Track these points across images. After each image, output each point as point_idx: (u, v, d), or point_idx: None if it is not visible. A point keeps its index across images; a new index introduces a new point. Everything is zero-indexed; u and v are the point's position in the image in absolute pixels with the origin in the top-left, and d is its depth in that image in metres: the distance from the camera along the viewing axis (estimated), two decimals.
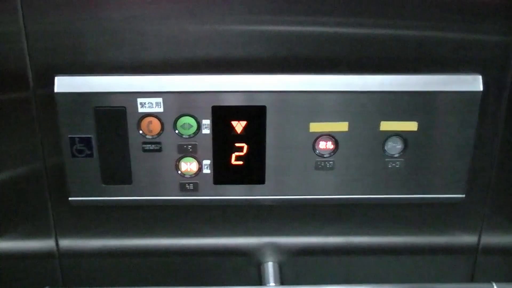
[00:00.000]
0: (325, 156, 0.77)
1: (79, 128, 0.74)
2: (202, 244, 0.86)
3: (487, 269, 0.89)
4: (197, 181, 0.78)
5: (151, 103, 0.73)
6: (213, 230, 0.85)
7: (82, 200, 0.79)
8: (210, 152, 0.76)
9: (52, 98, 0.73)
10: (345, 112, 0.74)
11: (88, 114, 0.73)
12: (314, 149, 0.76)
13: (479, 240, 0.86)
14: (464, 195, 0.80)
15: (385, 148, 0.76)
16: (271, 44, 0.73)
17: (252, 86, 0.73)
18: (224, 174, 0.77)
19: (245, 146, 0.76)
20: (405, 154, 0.77)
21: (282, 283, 0.86)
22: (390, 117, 0.75)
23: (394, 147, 0.76)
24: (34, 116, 0.76)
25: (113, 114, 0.74)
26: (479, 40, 0.73)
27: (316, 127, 0.75)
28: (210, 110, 0.74)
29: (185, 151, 0.76)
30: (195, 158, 0.76)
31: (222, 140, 0.75)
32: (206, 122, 0.74)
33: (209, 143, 0.76)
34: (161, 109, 0.73)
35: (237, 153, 0.76)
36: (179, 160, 0.76)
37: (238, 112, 0.74)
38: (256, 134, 0.75)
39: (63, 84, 0.73)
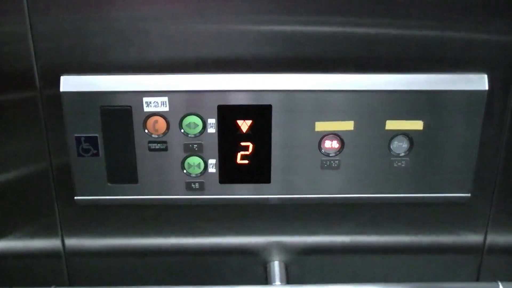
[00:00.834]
0: (330, 155, 0.77)
1: (85, 127, 0.74)
2: (208, 243, 0.86)
3: (493, 269, 0.88)
4: (203, 180, 0.78)
5: (156, 102, 0.73)
6: (219, 229, 0.85)
7: (88, 199, 0.79)
8: (215, 151, 0.76)
9: (58, 97, 0.73)
10: (351, 111, 0.74)
11: (94, 113, 0.74)
12: (319, 148, 0.76)
13: (485, 239, 0.86)
14: (470, 194, 0.80)
15: (391, 147, 0.76)
16: (277, 44, 0.73)
17: (257, 85, 0.73)
18: (230, 173, 0.77)
19: (251, 145, 0.76)
20: (411, 153, 0.77)
21: (288, 282, 0.86)
22: (395, 116, 0.75)
23: (399, 146, 0.76)
24: (41, 116, 0.76)
25: (119, 114, 0.74)
26: (485, 39, 0.73)
27: (321, 126, 0.75)
28: (215, 109, 0.74)
29: (190, 150, 0.76)
30: (200, 157, 0.76)
31: (228, 139, 0.75)
32: (212, 121, 0.74)
33: (214, 142, 0.76)
34: (166, 108, 0.74)
35: (242, 152, 0.76)
36: (184, 159, 0.76)
37: (243, 111, 0.74)
38: (261, 133, 0.75)
39: (69, 83, 0.73)
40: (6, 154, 0.79)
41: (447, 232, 0.86)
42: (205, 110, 0.74)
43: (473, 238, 0.86)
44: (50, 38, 0.72)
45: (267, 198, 0.79)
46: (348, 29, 0.72)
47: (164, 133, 0.75)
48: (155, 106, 0.73)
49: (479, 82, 0.74)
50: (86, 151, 0.76)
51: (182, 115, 0.74)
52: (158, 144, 0.75)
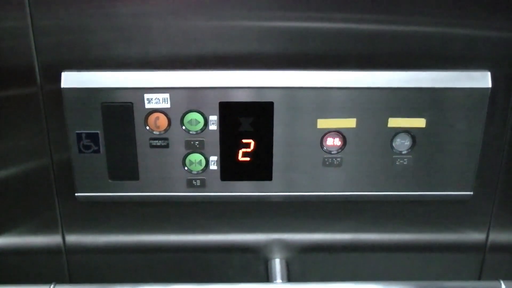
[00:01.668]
0: (332, 152, 0.76)
1: (86, 124, 0.74)
2: (209, 241, 0.86)
3: (495, 267, 0.88)
4: (204, 177, 0.77)
5: (158, 99, 0.73)
6: (220, 227, 0.85)
7: (89, 196, 0.79)
8: (217, 148, 0.76)
9: (59, 94, 0.73)
10: (353, 108, 0.74)
11: (95, 109, 0.73)
12: (321, 145, 0.76)
13: (487, 237, 0.86)
14: (472, 193, 0.80)
15: (393, 144, 0.76)
16: (279, 40, 0.72)
17: (259, 82, 0.73)
18: (231, 170, 0.77)
19: (253, 143, 0.76)
20: (413, 151, 0.76)
21: (289, 280, 0.86)
22: (398, 113, 0.74)
23: (402, 143, 0.76)
24: (41, 112, 0.76)
25: (120, 110, 0.74)
26: (488, 36, 0.73)
27: (324, 123, 0.75)
28: (217, 106, 0.73)
29: (192, 147, 0.76)
30: (202, 154, 0.76)
31: (229, 136, 0.75)
32: (213, 118, 0.74)
33: (216, 139, 0.75)
34: (168, 105, 0.73)
35: (244, 150, 0.76)
36: (186, 156, 0.76)
37: (245, 108, 0.74)
38: (263, 131, 0.75)
39: (70, 79, 0.73)
40: (7, 150, 0.79)
41: (449, 231, 0.86)
42: (206, 106, 0.74)
43: (475, 236, 0.86)
44: (51, 34, 0.72)
45: (269, 195, 0.79)
46: (350, 26, 0.72)
47: (166, 130, 0.75)
48: (156, 102, 0.73)
49: (482, 79, 0.73)
50: (87, 147, 0.75)
51: (183, 112, 0.74)
52: (159, 141, 0.75)
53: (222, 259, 0.88)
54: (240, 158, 0.77)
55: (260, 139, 0.75)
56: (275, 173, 0.77)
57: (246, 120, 0.74)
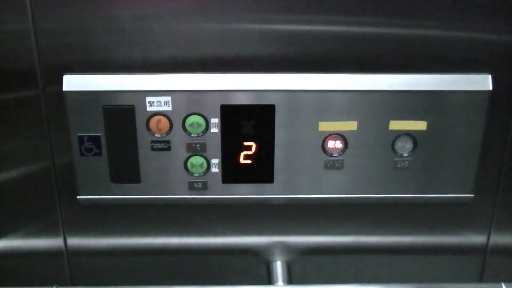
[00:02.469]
0: (334, 155, 0.77)
1: (87, 126, 0.74)
2: (210, 243, 0.86)
3: (496, 270, 0.88)
4: (206, 180, 0.78)
5: (159, 101, 0.73)
6: (221, 229, 0.85)
7: (90, 198, 0.79)
8: (218, 151, 0.76)
9: (61, 97, 0.73)
10: (354, 111, 0.74)
11: (96, 112, 0.73)
12: (323, 148, 0.76)
13: (488, 240, 0.86)
14: (473, 195, 0.80)
15: (394, 147, 0.76)
16: (281, 43, 0.72)
17: (261, 85, 0.73)
18: (232, 173, 0.77)
19: (254, 145, 0.76)
20: (414, 153, 0.76)
21: (290, 282, 0.86)
22: (399, 116, 0.74)
23: (403, 146, 0.76)
24: (43, 115, 0.76)
25: (122, 113, 0.74)
26: (489, 39, 0.73)
27: (325, 126, 0.75)
28: (218, 109, 0.74)
29: (193, 150, 0.76)
30: (203, 157, 0.76)
31: (231, 139, 0.75)
32: (215, 121, 0.74)
33: (217, 142, 0.75)
34: (169, 108, 0.73)
35: (245, 152, 0.76)
36: (187, 159, 0.76)
37: (247, 111, 0.74)
38: (265, 133, 0.75)
39: (72, 82, 0.73)
40: (9, 153, 0.79)
41: (450, 233, 0.86)
42: (208, 109, 0.74)
43: (476, 238, 0.86)
44: (53, 37, 0.72)
45: (270, 198, 0.79)
46: (351, 29, 0.72)
47: (167, 133, 0.75)
48: (158, 105, 0.73)
49: (483, 82, 0.73)
50: (89, 150, 0.76)
51: (185, 115, 0.74)
52: (161, 144, 0.75)
53: (224, 262, 0.88)
54: (242, 160, 0.77)
55: (262, 142, 0.76)
56: (276, 176, 0.78)
57: (248, 123, 0.75)
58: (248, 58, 0.73)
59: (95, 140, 0.75)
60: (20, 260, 0.87)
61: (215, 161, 0.77)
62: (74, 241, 0.85)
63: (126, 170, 0.77)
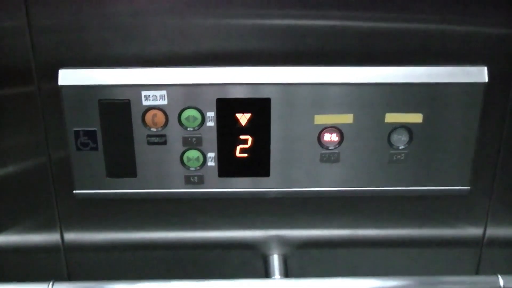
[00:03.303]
0: (330, 148, 0.77)
1: (83, 121, 0.74)
2: (207, 237, 0.86)
3: (492, 262, 0.88)
4: (202, 174, 0.78)
5: (155, 95, 0.73)
6: (218, 223, 0.85)
7: (87, 193, 0.79)
8: (214, 145, 0.76)
9: (57, 91, 0.73)
10: (350, 104, 0.74)
11: (92, 107, 0.73)
12: (319, 141, 0.76)
13: (484, 232, 0.86)
14: (469, 187, 0.80)
15: (390, 140, 0.76)
16: (276, 37, 0.72)
17: (256, 78, 0.73)
18: (229, 166, 0.77)
19: (250, 139, 0.76)
20: (410, 146, 0.76)
21: (287, 276, 0.86)
22: (395, 109, 0.74)
23: (399, 139, 0.76)
24: (39, 110, 0.76)
25: (118, 107, 0.74)
26: (485, 31, 0.73)
27: (321, 119, 0.75)
28: (214, 102, 0.73)
29: (189, 144, 0.76)
30: (199, 150, 0.76)
31: (227, 132, 0.75)
32: (211, 114, 0.74)
33: (213, 136, 0.75)
34: (165, 102, 0.73)
35: (241, 146, 0.76)
36: (183, 152, 0.76)
37: (242, 104, 0.74)
38: (260, 127, 0.75)
39: (67, 77, 0.73)
40: (5, 148, 0.79)
41: (447, 225, 0.86)
42: (204, 103, 0.74)
43: (472, 231, 0.86)
44: (48, 32, 0.72)
45: (267, 191, 0.79)
46: (347, 22, 0.72)
47: (163, 127, 0.75)
48: (153, 99, 0.73)
49: (479, 74, 0.73)
50: (85, 145, 0.75)
51: (180, 109, 0.74)
52: (157, 138, 0.75)
53: (220, 256, 0.88)
54: (238, 154, 0.77)
55: (258, 135, 0.76)
56: (272, 169, 0.77)
57: (244, 116, 0.75)
58: (243, 51, 0.73)
59: (91, 134, 0.75)
60: (17, 255, 0.87)
61: (211, 155, 0.77)
62: (71, 236, 0.85)
63: (122, 165, 0.77)
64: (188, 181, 0.78)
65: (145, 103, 0.73)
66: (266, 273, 0.87)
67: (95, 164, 0.77)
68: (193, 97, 0.73)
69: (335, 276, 0.79)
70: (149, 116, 0.74)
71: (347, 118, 0.75)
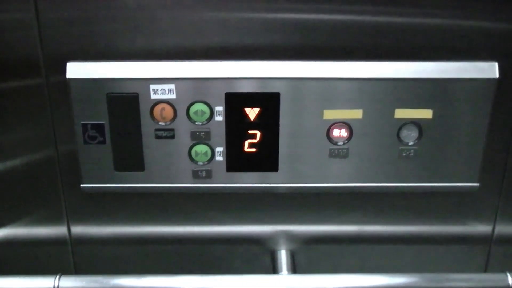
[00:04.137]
0: (339, 143, 0.76)
1: (91, 114, 0.74)
2: (214, 232, 0.86)
3: (501, 259, 0.88)
4: (210, 168, 0.77)
5: (163, 89, 0.73)
6: (226, 218, 0.85)
7: (94, 187, 0.79)
8: (223, 139, 0.76)
9: (65, 85, 0.73)
10: (360, 99, 0.74)
11: (100, 100, 0.73)
12: (328, 136, 0.76)
13: (493, 229, 0.86)
14: (478, 184, 0.79)
15: (400, 136, 0.76)
16: (285, 31, 0.72)
17: (265, 73, 0.73)
18: (237, 161, 0.77)
19: (259, 133, 0.75)
20: (420, 142, 0.76)
21: (295, 271, 0.86)
22: (405, 104, 0.74)
23: (408, 135, 0.76)
24: (47, 103, 0.76)
25: (126, 101, 0.73)
26: (496, 27, 0.72)
27: (330, 114, 0.74)
28: (223, 96, 0.73)
29: (198, 138, 0.75)
30: (208, 145, 0.76)
31: (235, 127, 0.75)
32: (219, 109, 0.74)
33: (222, 130, 0.75)
34: (173, 96, 0.73)
35: (250, 141, 0.76)
36: (192, 147, 0.76)
37: (251, 99, 0.73)
38: (269, 121, 0.75)
39: (75, 70, 0.72)
40: (13, 141, 0.79)
41: (455, 222, 0.85)
42: (212, 97, 0.73)
43: (481, 228, 0.86)
44: (56, 25, 0.71)
45: (275, 186, 0.79)
46: (357, 17, 0.72)
47: (171, 121, 0.75)
48: (162, 93, 0.73)
49: (490, 70, 0.73)
50: (93, 138, 0.75)
51: (189, 103, 0.74)
52: (165, 132, 0.75)
53: (228, 251, 0.87)
54: (246, 149, 0.76)
55: (266, 130, 0.75)
56: (281, 164, 0.77)
57: (252, 111, 0.74)
58: (253, 46, 0.73)
59: (99, 128, 0.75)
60: (24, 249, 0.87)
61: (219, 149, 0.76)
62: (78, 230, 0.85)
63: (130, 158, 0.76)
64: (196, 176, 0.78)
65: (153, 96, 0.73)
66: (273, 269, 0.87)
67: (102, 157, 0.76)
68: (201, 91, 0.73)
69: (343, 272, 0.79)
70: (157, 110, 0.74)
71: (356, 114, 0.74)
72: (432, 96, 0.73)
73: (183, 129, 0.75)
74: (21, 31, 0.72)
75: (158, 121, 0.75)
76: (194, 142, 0.76)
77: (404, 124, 0.75)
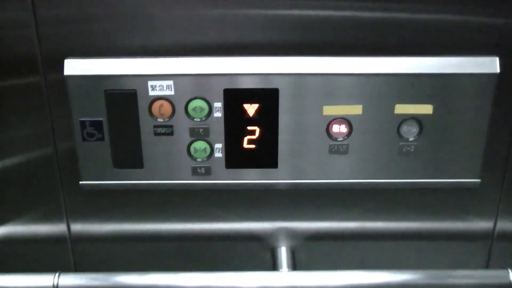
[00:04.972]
0: (338, 139, 0.76)
1: (89, 111, 0.74)
2: (214, 229, 0.86)
3: (502, 256, 0.88)
4: (209, 165, 0.77)
5: (162, 86, 0.73)
6: (225, 215, 0.84)
7: (93, 184, 0.78)
8: (222, 136, 0.75)
9: (63, 82, 0.72)
10: (359, 95, 0.73)
11: (98, 97, 0.73)
12: (327, 132, 0.75)
13: (494, 225, 0.86)
14: (479, 180, 0.79)
15: (400, 131, 0.75)
16: (284, 27, 0.72)
17: (264, 68, 0.72)
18: (236, 158, 0.77)
19: (258, 130, 0.75)
20: (420, 137, 0.76)
21: (295, 268, 0.86)
22: (405, 100, 0.74)
23: (409, 130, 0.75)
24: (45, 101, 0.76)
25: (124, 98, 0.73)
26: (497, 22, 0.72)
27: (329, 110, 0.74)
28: (222, 93, 0.73)
29: (196, 135, 0.75)
30: (207, 141, 0.76)
31: (234, 123, 0.75)
32: (218, 105, 0.74)
33: (221, 127, 0.75)
34: (172, 92, 0.73)
35: (249, 137, 0.76)
36: (190, 143, 0.76)
37: (250, 95, 0.73)
38: (268, 117, 0.74)
39: (73, 67, 0.72)
40: (11, 139, 0.79)
41: (456, 218, 0.85)
42: (211, 93, 0.73)
43: (482, 224, 0.86)
44: (54, 23, 0.71)
45: (274, 183, 0.79)
46: (356, 12, 0.72)
47: (170, 117, 0.74)
48: (160, 89, 0.73)
49: (491, 65, 0.73)
50: (91, 135, 0.75)
51: (187, 99, 0.73)
52: (164, 129, 0.75)
53: (228, 247, 0.87)
54: (245, 145, 0.76)
55: (265, 126, 0.75)
56: (280, 161, 0.77)
57: (251, 107, 0.74)
58: (251, 41, 0.72)
59: (97, 125, 0.74)
60: (24, 246, 0.87)
61: (218, 145, 0.76)
62: (77, 227, 0.85)
63: (129, 155, 0.76)
64: (195, 172, 0.77)
65: (151, 93, 0.73)
66: (273, 266, 0.87)
67: (101, 154, 0.76)
68: (200, 88, 0.73)
69: (343, 269, 0.79)
70: (155, 106, 0.74)
71: (356, 109, 0.74)
72: (432, 92, 0.73)
73: (181, 125, 0.75)
74: (19, 29, 0.72)
75: (157, 118, 0.74)
76: (193, 138, 0.75)
77: (404, 120, 0.75)
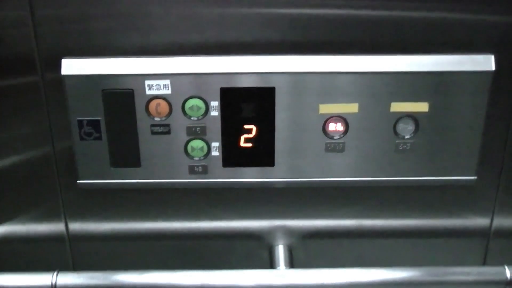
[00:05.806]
0: (335, 138, 0.76)
1: (87, 110, 0.74)
2: (211, 227, 0.86)
3: (499, 253, 0.88)
4: (206, 164, 0.77)
5: (158, 85, 0.73)
6: (222, 213, 0.85)
7: (91, 183, 0.78)
8: (219, 135, 0.76)
9: (60, 81, 0.73)
10: (355, 93, 0.73)
11: (96, 96, 0.73)
12: (324, 131, 0.75)
13: (491, 223, 0.86)
14: (476, 177, 0.79)
15: (396, 129, 0.76)
16: (281, 25, 0.72)
17: (260, 67, 0.72)
18: (233, 156, 0.77)
19: (254, 128, 0.75)
20: (416, 135, 0.76)
21: (292, 266, 0.86)
22: (400, 98, 0.74)
23: (405, 128, 0.76)
24: (43, 100, 0.76)
25: (121, 97, 0.73)
26: (492, 19, 0.72)
27: (326, 108, 0.74)
28: (218, 91, 0.73)
29: (193, 134, 0.75)
30: (204, 140, 0.76)
31: (231, 122, 0.75)
32: (215, 104, 0.74)
33: (218, 125, 0.75)
34: (169, 91, 0.73)
35: (246, 135, 0.76)
36: (187, 142, 0.76)
37: (247, 93, 0.73)
38: (265, 116, 0.74)
39: (70, 66, 0.72)
40: (9, 138, 0.79)
41: (453, 216, 0.85)
42: (208, 92, 0.73)
43: (479, 221, 0.86)
44: (51, 22, 0.71)
45: (271, 181, 0.79)
46: (352, 11, 0.72)
47: (167, 116, 0.74)
48: (157, 89, 0.73)
49: (486, 62, 0.73)
50: (89, 134, 0.75)
51: (184, 98, 0.73)
52: (161, 127, 0.75)
53: (225, 246, 0.87)
54: (242, 144, 0.76)
55: (262, 125, 0.75)
56: (277, 159, 0.77)
57: (248, 105, 0.74)
58: (247, 40, 0.73)
59: (95, 124, 0.75)
60: (22, 245, 0.87)
61: (215, 144, 0.76)
62: (76, 226, 0.85)
63: (126, 154, 0.76)
64: (192, 171, 0.78)
65: (148, 92, 0.73)
66: (271, 264, 0.87)
67: (99, 154, 0.76)
68: (197, 86, 0.73)
69: (341, 267, 0.79)
70: (152, 105, 0.74)
71: (352, 108, 0.74)
72: (428, 89, 0.73)
73: (178, 124, 0.75)
74: (16, 29, 0.71)
75: (154, 117, 0.74)
76: (190, 137, 0.76)
77: (400, 118, 0.75)
